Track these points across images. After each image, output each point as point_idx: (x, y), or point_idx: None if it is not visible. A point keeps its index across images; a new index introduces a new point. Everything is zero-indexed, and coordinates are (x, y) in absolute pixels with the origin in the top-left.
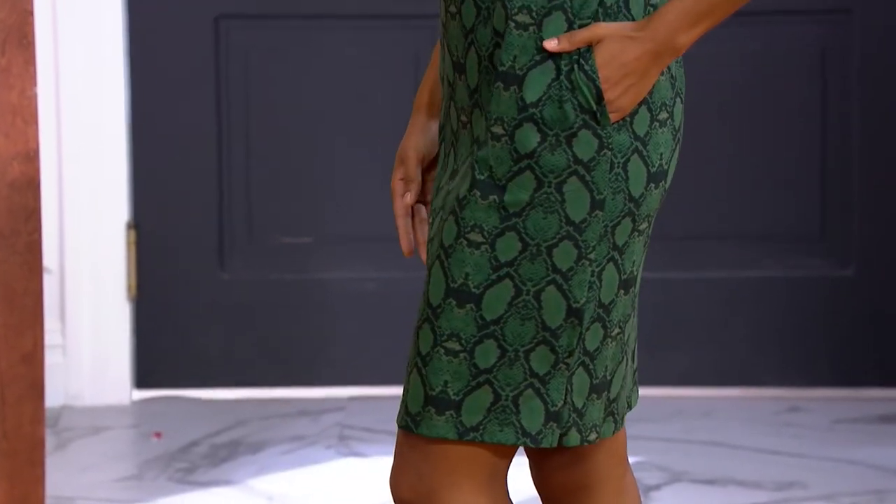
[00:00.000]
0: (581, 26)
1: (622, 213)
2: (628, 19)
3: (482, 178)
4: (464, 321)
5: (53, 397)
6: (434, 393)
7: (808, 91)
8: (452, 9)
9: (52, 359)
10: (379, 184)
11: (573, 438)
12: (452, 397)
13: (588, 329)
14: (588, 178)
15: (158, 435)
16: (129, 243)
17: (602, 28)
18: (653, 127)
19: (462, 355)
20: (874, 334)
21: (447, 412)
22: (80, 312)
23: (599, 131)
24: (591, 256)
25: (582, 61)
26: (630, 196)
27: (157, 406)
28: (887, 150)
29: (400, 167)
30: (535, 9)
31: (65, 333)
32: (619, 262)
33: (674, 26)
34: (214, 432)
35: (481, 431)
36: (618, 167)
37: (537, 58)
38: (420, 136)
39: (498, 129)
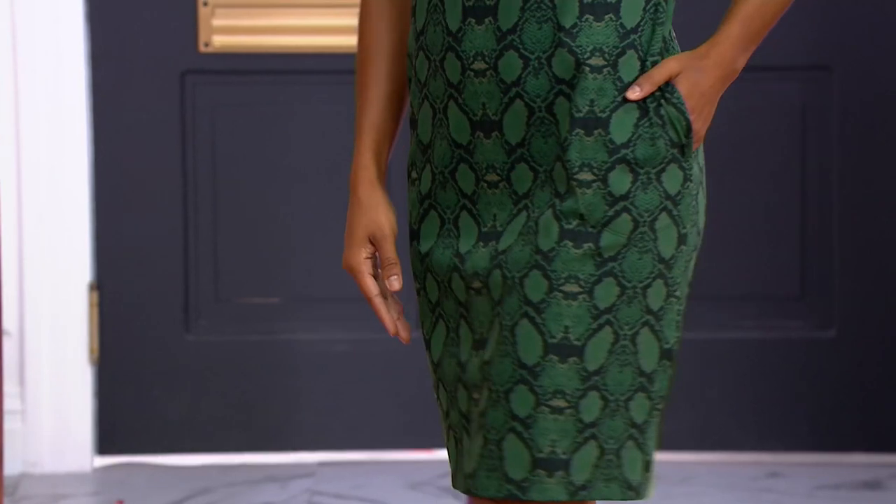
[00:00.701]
0: (653, 63)
1: (695, 247)
2: (675, 51)
3: (571, 227)
4: (567, 376)
5: (11, 465)
6: (543, 455)
7: (788, 148)
8: (478, 65)
9: (10, 424)
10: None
11: (653, 488)
12: (561, 456)
13: None
14: (675, 212)
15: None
16: (91, 304)
17: (675, 62)
18: (703, 155)
19: (568, 411)
20: (856, 397)
21: (557, 473)
22: (40, 376)
23: (684, 164)
24: (677, 294)
25: (668, 95)
26: (699, 229)
27: (120, 473)
28: (868, 207)
29: (365, 246)
30: (607, 50)
31: (24, 398)
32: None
33: (735, 50)
34: (179, 500)
35: (590, 489)
36: (693, 199)
37: (619, 98)
38: (389, 210)
39: (586, 176)
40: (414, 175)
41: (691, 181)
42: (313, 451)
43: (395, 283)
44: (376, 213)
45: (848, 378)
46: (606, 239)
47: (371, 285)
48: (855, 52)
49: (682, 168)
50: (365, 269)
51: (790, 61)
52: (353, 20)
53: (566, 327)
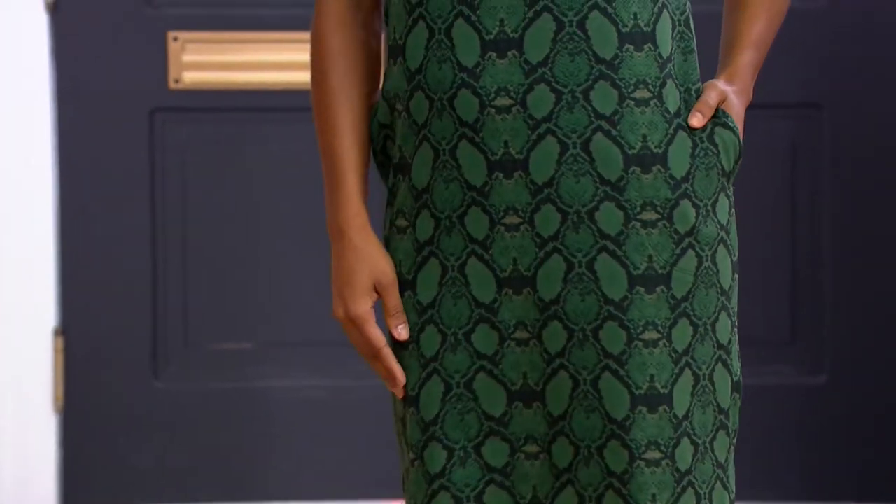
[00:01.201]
0: (697, 91)
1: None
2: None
3: (640, 272)
4: (659, 426)
5: None
6: None
7: (778, 188)
8: (502, 101)
9: None
10: (324, 286)
11: None
12: None
13: None
14: (728, 241)
15: None
16: (56, 350)
17: (721, 86)
18: None
19: (664, 462)
20: (849, 445)
21: None
22: (2, 424)
23: (728, 191)
24: (736, 323)
25: (724, 120)
26: (735, 261)
27: None
28: (860, 249)
29: (371, 295)
30: (650, 82)
31: None
32: None
33: (752, 77)
34: None
35: None
36: (735, 227)
37: (671, 131)
38: (387, 256)
39: (650, 216)
40: (402, 223)
41: (733, 208)
42: (289, 501)
43: (404, 331)
44: (377, 260)
45: (840, 425)
46: (677, 279)
47: (380, 336)
48: (846, 90)
49: (727, 196)
50: (372, 318)
51: (780, 98)
52: None
53: (651, 376)
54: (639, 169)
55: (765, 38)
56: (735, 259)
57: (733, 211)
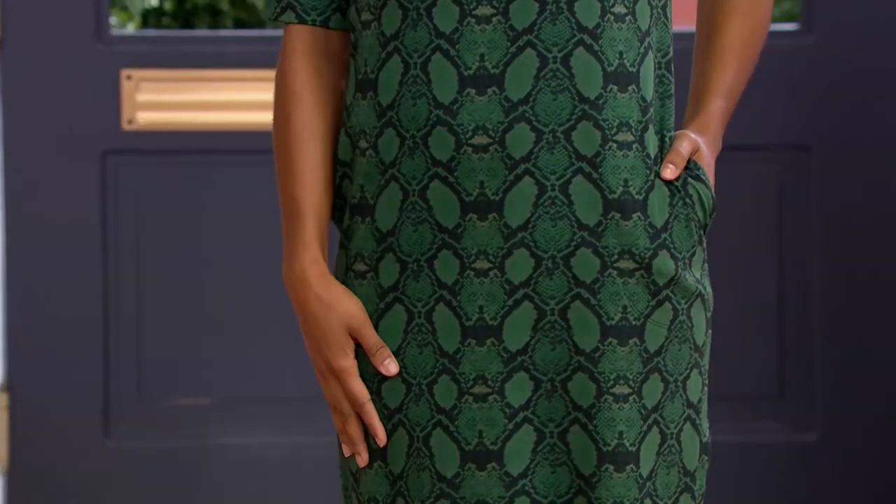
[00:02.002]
0: (669, 138)
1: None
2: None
3: (614, 322)
4: (625, 486)
5: None
6: None
7: (764, 234)
8: (479, 139)
9: None
10: (287, 337)
11: None
12: None
13: None
14: (704, 295)
15: None
16: (0, 407)
17: (693, 136)
18: None
19: None
20: None
21: None
22: None
23: (704, 245)
24: (706, 381)
25: (696, 172)
26: (710, 317)
27: None
28: (850, 299)
29: (349, 344)
30: (633, 125)
31: None
32: None
33: (723, 126)
34: None
35: None
36: (708, 281)
37: (651, 178)
38: (352, 296)
39: (628, 265)
40: (361, 267)
41: (707, 263)
42: None
43: (392, 366)
44: (344, 303)
45: (831, 487)
46: (651, 332)
47: (363, 390)
48: (835, 131)
49: (703, 250)
50: (356, 370)
51: (765, 140)
52: None
53: (620, 433)
54: (618, 215)
55: (735, 86)
56: (709, 315)
57: (706, 265)
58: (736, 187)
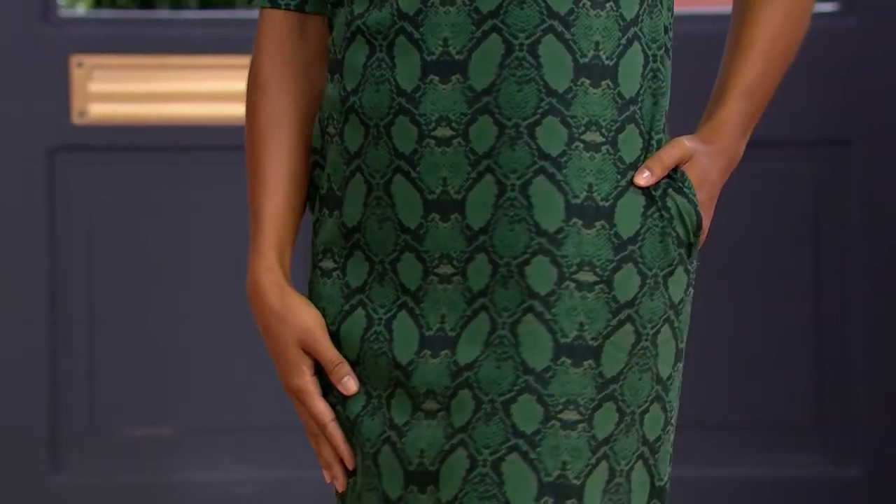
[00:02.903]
0: (658, 142)
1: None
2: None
3: (568, 340)
4: None
5: None
6: None
7: (800, 239)
8: (442, 132)
9: None
10: (260, 359)
11: None
12: None
13: None
14: (676, 323)
15: None
16: None
17: (686, 144)
18: None
19: None
20: None
21: None
22: None
23: (689, 266)
24: (673, 421)
25: (678, 184)
26: (681, 349)
27: None
28: None
29: (304, 360)
30: (605, 125)
31: None
32: None
33: (739, 132)
34: None
35: None
36: (690, 308)
37: (622, 183)
38: (309, 306)
39: (587, 277)
40: (329, 264)
41: (692, 287)
42: None
43: (352, 384)
44: (298, 316)
45: None
46: (608, 355)
47: (325, 409)
48: (877, 124)
49: (686, 272)
50: (315, 389)
51: (799, 134)
52: None
53: (564, 463)
54: (580, 222)
55: (760, 86)
56: (682, 346)
57: (692, 291)
58: (766, 188)
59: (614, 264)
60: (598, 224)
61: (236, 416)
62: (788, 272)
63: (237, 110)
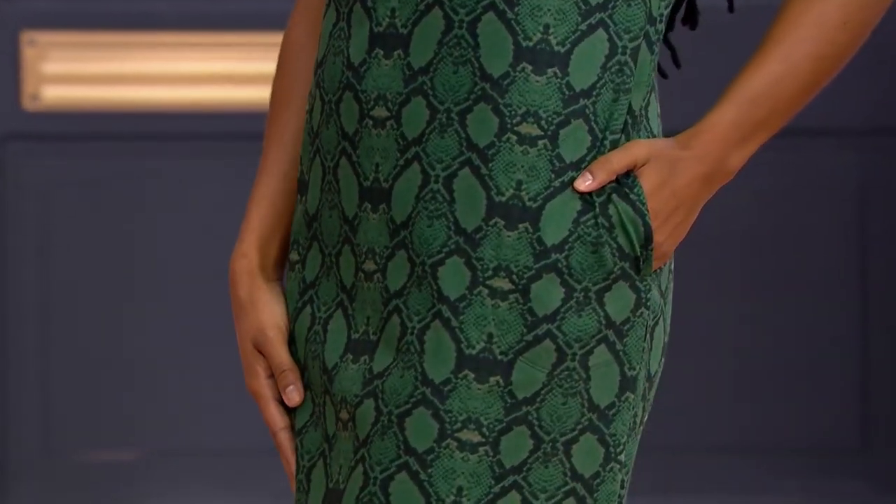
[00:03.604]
0: (613, 143)
1: (644, 398)
2: (648, 132)
3: (474, 352)
4: None
5: None
6: None
7: (842, 240)
8: (379, 112)
9: None
10: (234, 374)
11: None
12: None
13: None
14: (619, 346)
15: None
16: None
17: (643, 147)
18: (670, 279)
19: None
20: None
21: None
22: None
23: (638, 283)
24: (621, 458)
25: (625, 189)
26: (648, 374)
27: None
28: None
29: (258, 361)
30: (545, 116)
31: None
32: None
33: (726, 142)
34: None
35: None
36: (647, 333)
37: (556, 184)
38: (273, 303)
39: (502, 284)
40: (294, 257)
41: (646, 308)
42: None
43: (294, 394)
44: (258, 312)
45: None
46: (521, 372)
47: (278, 416)
48: None
49: (634, 289)
50: (268, 393)
51: (842, 122)
52: (245, 65)
53: (459, 489)
54: (502, 222)
55: (761, 97)
56: (632, 373)
57: (645, 312)
58: (806, 182)
59: (533, 272)
60: (521, 226)
61: (208, 438)
62: (831, 278)
63: (212, 94)
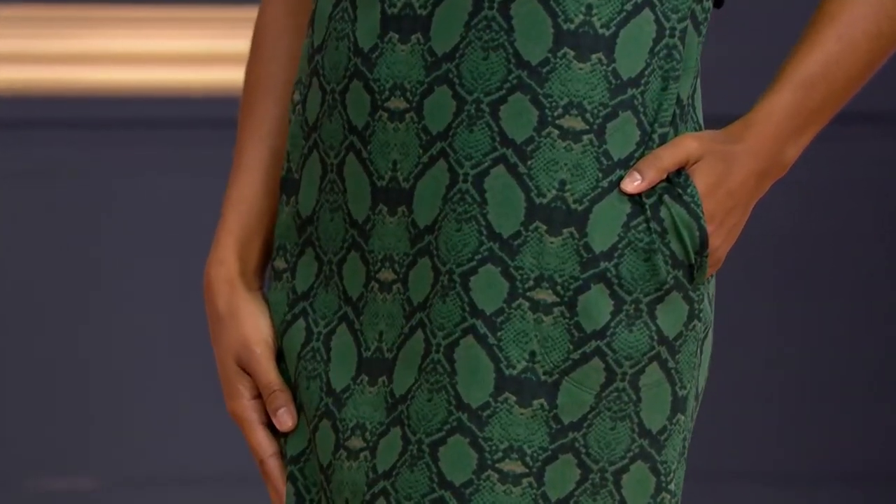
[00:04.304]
0: (661, 137)
1: (692, 419)
2: (695, 123)
3: (515, 373)
4: None
5: None
6: None
7: (893, 238)
8: (396, 103)
9: None
10: (202, 394)
11: None
12: None
13: None
14: (672, 364)
15: None
16: None
17: (695, 142)
18: (714, 285)
19: None
20: None
21: None
22: None
23: (692, 293)
24: (672, 487)
25: (678, 190)
26: (698, 393)
27: None
28: None
29: (241, 380)
30: (590, 108)
31: None
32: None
33: (780, 134)
34: None
35: None
36: (698, 347)
37: (604, 184)
38: (258, 314)
39: (545, 296)
40: (280, 264)
41: (699, 320)
42: None
43: (287, 417)
44: (240, 324)
45: None
46: (567, 394)
47: (265, 442)
48: None
49: (687, 299)
50: (254, 416)
51: (891, 106)
52: (214, 43)
53: None
54: (544, 227)
55: (828, 77)
56: (684, 393)
57: (697, 325)
58: (850, 174)
59: (580, 283)
60: (566, 231)
61: (172, 465)
62: (877, 275)
63: (178, 76)
